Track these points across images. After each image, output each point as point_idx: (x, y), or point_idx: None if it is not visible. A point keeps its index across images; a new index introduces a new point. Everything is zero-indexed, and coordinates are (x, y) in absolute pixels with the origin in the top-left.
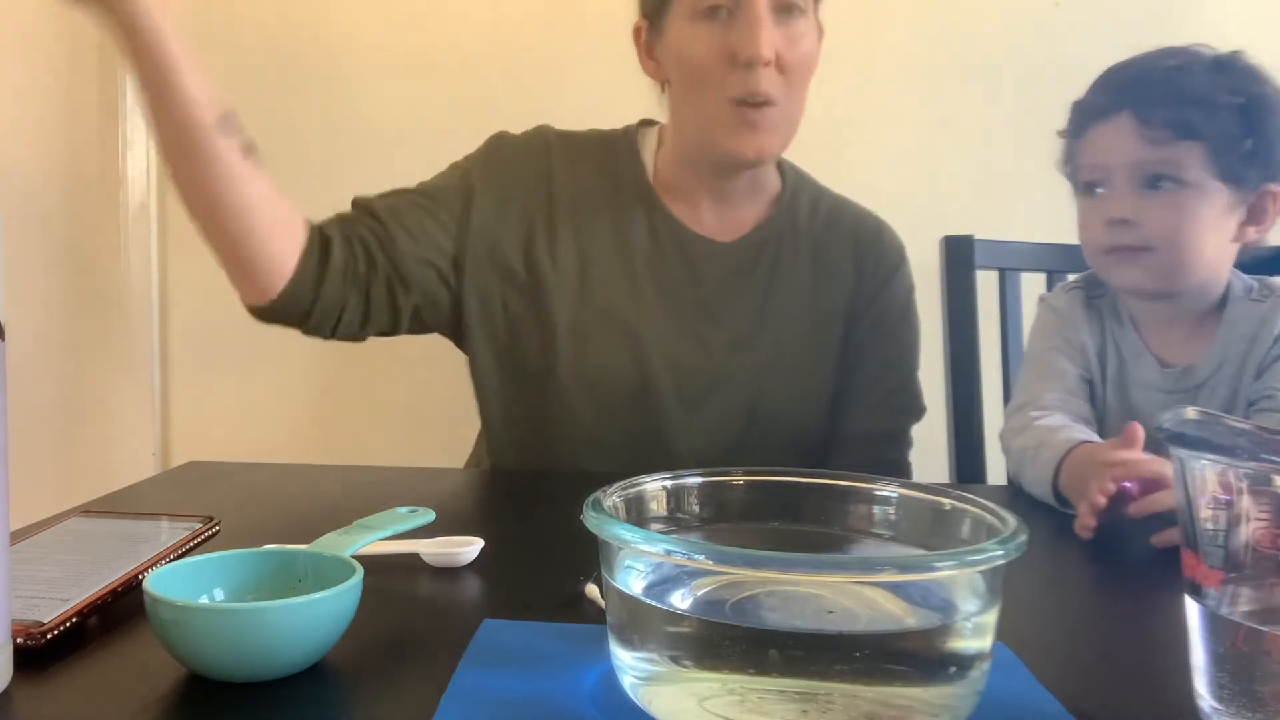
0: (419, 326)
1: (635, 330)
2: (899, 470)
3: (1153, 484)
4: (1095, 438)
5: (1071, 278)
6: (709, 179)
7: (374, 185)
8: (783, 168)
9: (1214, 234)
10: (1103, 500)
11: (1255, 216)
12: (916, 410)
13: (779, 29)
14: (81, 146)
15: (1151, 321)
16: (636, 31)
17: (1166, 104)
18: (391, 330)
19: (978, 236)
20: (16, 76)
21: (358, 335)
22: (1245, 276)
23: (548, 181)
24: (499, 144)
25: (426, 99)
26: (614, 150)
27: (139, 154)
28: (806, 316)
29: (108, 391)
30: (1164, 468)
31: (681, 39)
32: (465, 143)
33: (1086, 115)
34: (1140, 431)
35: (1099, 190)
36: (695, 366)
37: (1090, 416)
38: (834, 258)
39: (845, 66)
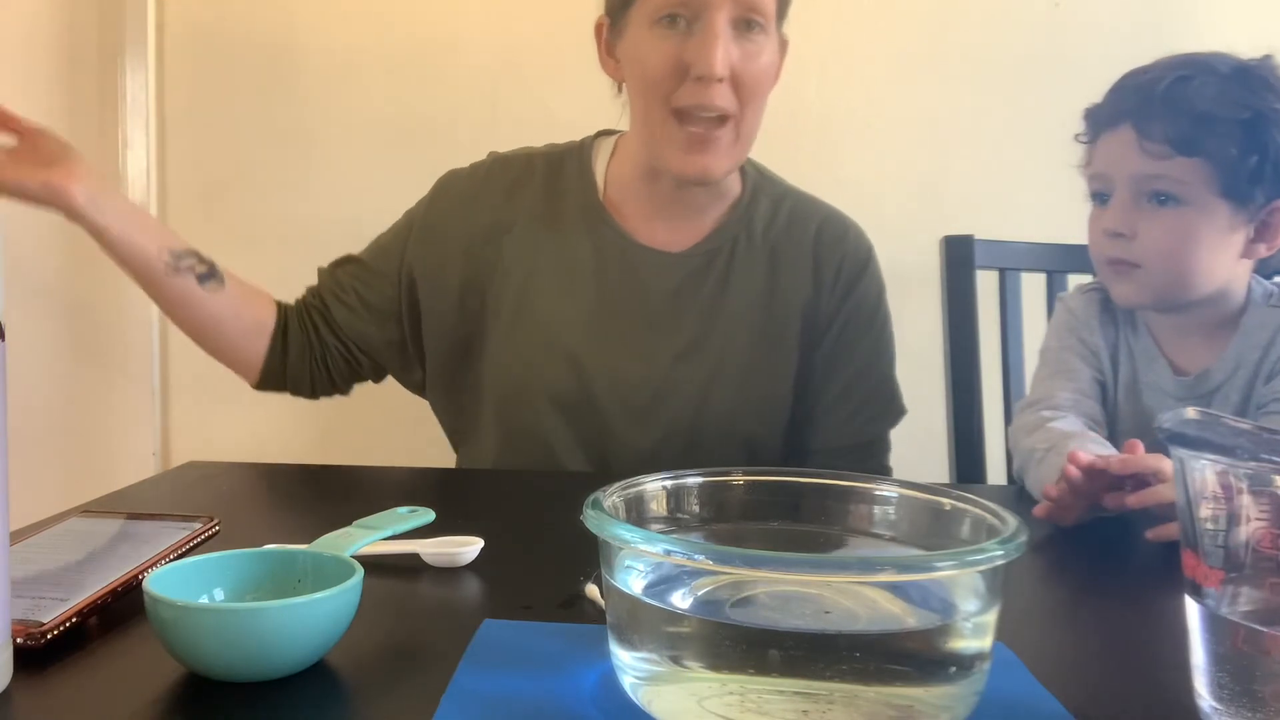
0: (391, 373)
1: (575, 347)
2: (883, 459)
3: (1151, 479)
4: (1107, 446)
5: (1091, 279)
6: (666, 188)
7: (374, 185)
8: (744, 168)
9: (1214, 253)
10: (1059, 486)
11: (1265, 234)
12: (895, 414)
13: (737, 44)
14: (81, 146)
15: (1166, 328)
16: (598, 28)
17: (1168, 118)
18: (370, 380)
19: (978, 236)
20: (16, 76)
21: (340, 392)
22: (1266, 282)
23: (489, 208)
24: (443, 183)
25: (427, 99)
26: (562, 167)
27: (139, 154)
28: (758, 325)
29: (108, 391)
30: (1161, 463)
31: (638, 43)
32: (466, 142)
33: (1096, 123)
34: (1140, 447)
35: (1108, 199)
36: (638, 380)
37: (1101, 418)
38: (791, 264)
39: (845, 66)
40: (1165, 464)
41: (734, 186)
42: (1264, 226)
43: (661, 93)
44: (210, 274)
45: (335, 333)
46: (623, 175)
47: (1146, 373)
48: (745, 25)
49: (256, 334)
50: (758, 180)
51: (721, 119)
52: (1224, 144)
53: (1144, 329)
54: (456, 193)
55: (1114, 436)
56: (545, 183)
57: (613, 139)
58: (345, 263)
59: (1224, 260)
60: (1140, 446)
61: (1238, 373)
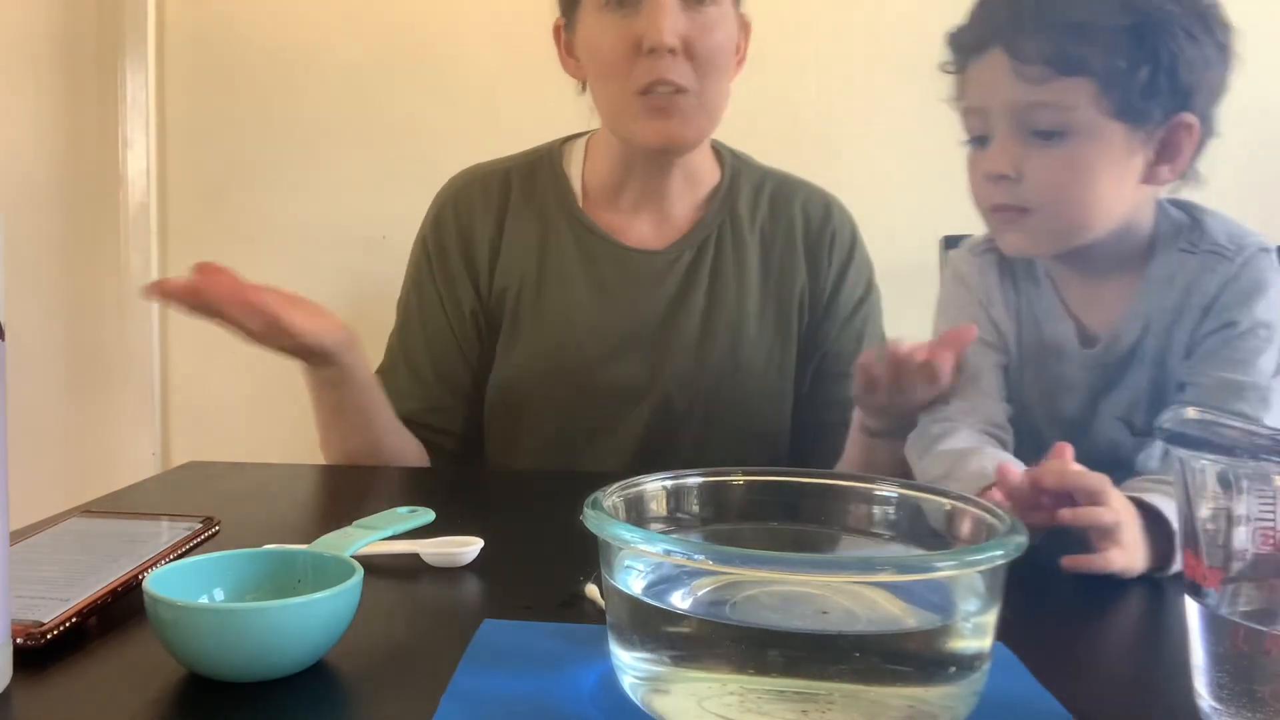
0: None
1: (573, 361)
2: None
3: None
4: (1006, 457)
5: (982, 236)
6: (641, 177)
7: (374, 185)
8: (721, 155)
9: (1113, 182)
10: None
11: (1167, 155)
12: None
13: (687, 16)
14: (81, 146)
15: (1071, 278)
16: (556, 30)
17: (1042, 34)
18: None
19: (977, 236)
20: (16, 76)
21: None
22: (1176, 212)
23: (483, 233)
24: (430, 235)
25: (426, 99)
26: (535, 176)
27: (139, 154)
28: (757, 313)
29: (108, 392)
30: (1102, 483)
31: (591, 31)
32: (465, 142)
33: (962, 49)
34: (1069, 451)
35: (987, 140)
36: (642, 384)
37: (1003, 419)
38: (781, 248)
39: (844, 66)
40: (1105, 485)
41: (711, 173)
42: (1165, 146)
43: (619, 74)
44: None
45: (460, 434)
46: (599, 174)
47: (1051, 337)
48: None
49: (421, 459)
50: (735, 165)
51: (678, 93)
52: (1109, 57)
53: (1046, 284)
54: (442, 231)
55: (1022, 417)
56: (523, 196)
57: (583, 141)
58: (417, 390)
59: (1123, 190)
60: (1070, 451)
61: (1146, 338)
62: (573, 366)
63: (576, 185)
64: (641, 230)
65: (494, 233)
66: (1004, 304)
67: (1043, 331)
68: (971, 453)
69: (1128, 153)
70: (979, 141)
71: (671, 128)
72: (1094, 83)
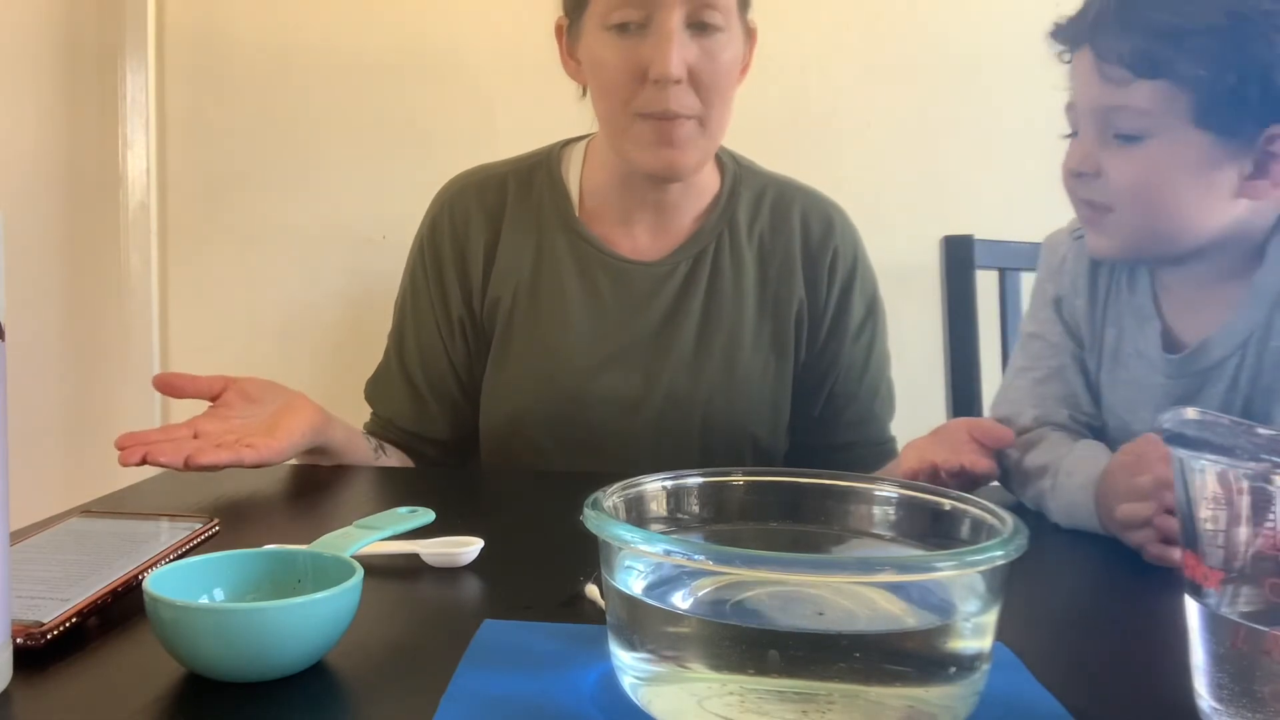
0: None
1: (567, 375)
2: (890, 444)
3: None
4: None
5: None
6: (639, 189)
7: (374, 186)
8: (721, 161)
9: (1198, 193)
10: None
11: (1268, 169)
12: (893, 397)
13: (695, 42)
14: (81, 146)
15: (1173, 281)
16: (558, 29)
17: (1128, 34)
18: None
19: (978, 236)
20: (16, 76)
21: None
22: None
23: (478, 238)
24: (425, 239)
25: (427, 99)
26: (532, 179)
27: (139, 154)
28: (753, 326)
29: (108, 391)
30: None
31: (594, 47)
32: (465, 143)
33: (1064, 43)
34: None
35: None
36: (636, 396)
37: (1086, 409)
38: (780, 264)
39: (845, 66)
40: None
41: (712, 182)
42: (1266, 159)
43: (621, 97)
44: (381, 444)
45: (445, 443)
46: (597, 182)
47: (1135, 337)
48: (700, 26)
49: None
50: (737, 172)
51: (683, 119)
52: (1192, 62)
53: (1144, 284)
54: (437, 236)
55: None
56: (519, 203)
57: (582, 145)
58: (402, 386)
59: (1212, 203)
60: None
61: (1246, 350)
62: (565, 378)
63: (574, 192)
64: (639, 240)
65: (489, 240)
66: (1089, 295)
67: (1127, 329)
68: (1062, 458)
69: (1211, 164)
70: (1074, 135)
71: (673, 156)
72: (1175, 87)
